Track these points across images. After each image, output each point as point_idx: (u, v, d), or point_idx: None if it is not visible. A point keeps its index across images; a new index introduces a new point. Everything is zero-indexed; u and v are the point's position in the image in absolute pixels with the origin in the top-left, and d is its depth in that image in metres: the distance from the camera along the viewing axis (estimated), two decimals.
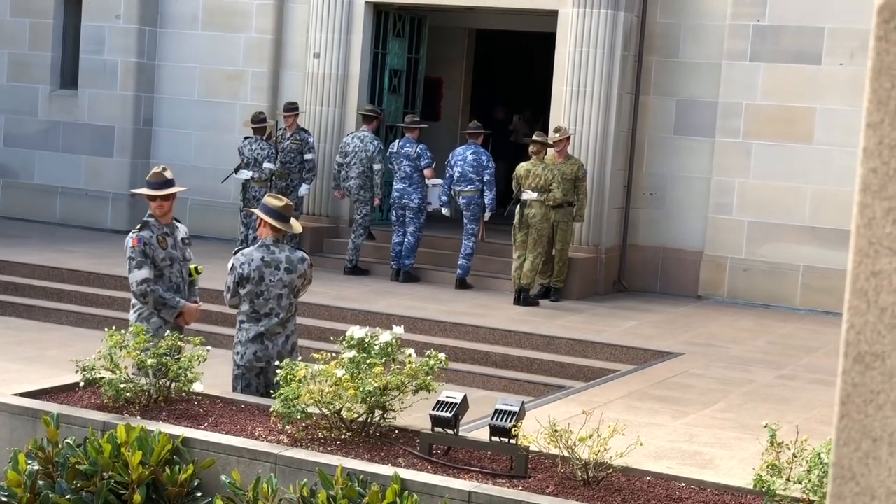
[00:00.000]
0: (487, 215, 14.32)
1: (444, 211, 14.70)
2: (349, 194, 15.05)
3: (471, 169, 14.25)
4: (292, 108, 15.29)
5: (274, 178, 15.11)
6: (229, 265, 7.98)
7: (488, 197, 14.23)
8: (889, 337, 1.68)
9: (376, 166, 14.78)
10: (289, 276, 7.96)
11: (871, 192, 1.68)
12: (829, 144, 14.16)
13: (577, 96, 14.52)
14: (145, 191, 8.24)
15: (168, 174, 8.30)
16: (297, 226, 8.25)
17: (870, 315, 1.70)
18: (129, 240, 8.06)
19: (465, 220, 14.41)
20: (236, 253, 8.20)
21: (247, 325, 7.98)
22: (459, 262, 14.53)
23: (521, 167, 13.65)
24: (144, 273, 7.97)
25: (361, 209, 14.92)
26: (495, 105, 20.16)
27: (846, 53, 14.01)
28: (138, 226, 8.14)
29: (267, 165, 14.95)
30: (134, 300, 8.16)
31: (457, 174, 14.30)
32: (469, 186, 14.26)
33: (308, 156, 15.20)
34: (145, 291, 7.97)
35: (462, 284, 14.48)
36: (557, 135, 13.89)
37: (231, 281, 7.91)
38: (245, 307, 7.95)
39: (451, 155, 14.57)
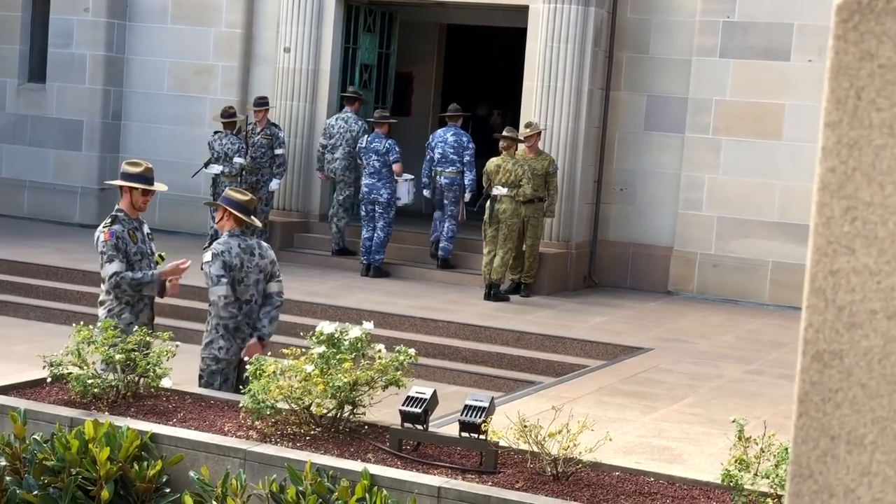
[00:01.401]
0: (468, 196, 14.44)
1: (426, 192, 14.91)
2: (334, 175, 15.10)
3: (451, 150, 14.48)
4: (262, 102, 15.25)
5: (244, 172, 15.06)
6: (207, 257, 7.91)
7: (468, 178, 14.44)
8: (847, 335, 1.69)
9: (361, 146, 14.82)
10: (262, 261, 8.00)
11: (829, 192, 1.69)
12: (798, 141, 14.24)
13: (547, 92, 14.54)
14: (141, 185, 8.13)
15: None
16: (256, 221, 8.28)
17: (828, 314, 1.71)
18: (101, 234, 7.98)
19: (445, 202, 14.58)
20: (207, 248, 8.13)
21: (213, 318, 7.94)
22: (442, 245, 14.72)
23: (491, 162, 13.66)
24: (115, 266, 7.89)
25: (345, 190, 15.07)
26: (472, 101, 20.15)
27: (815, 50, 14.09)
28: (108, 220, 8.06)
29: (237, 160, 14.90)
30: (102, 297, 8.09)
31: (437, 155, 14.55)
32: (450, 168, 14.49)
33: (278, 151, 15.17)
34: (118, 282, 7.90)
35: (445, 264, 14.71)
36: (528, 130, 13.91)
37: (216, 270, 7.83)
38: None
39: (431, 137, 14.85)
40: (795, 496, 1.65)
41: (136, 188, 8.06)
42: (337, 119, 15.18)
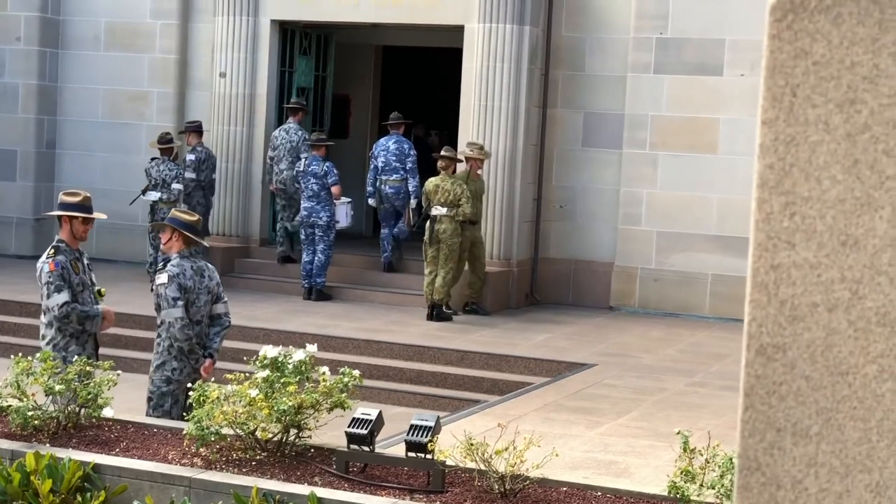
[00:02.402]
0: (413, 202, 14.51)
1: (371, 201, 15.17)
2: (283, 186, 15.24)
3: (394, 158, 14.72)
4: (191, 126, 15.32)
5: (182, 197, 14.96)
6: (163, 279, 7.85)
7: (412, 184, 14.63)
8: (790, 329, 1.71)
9: (303, 156, 14.86)
10: (210, 282, 8.05)
11: (768, 188, 1.71)
12: (733, 154, 14.40)
13: (485, 111, 14.61)
14: (84, 214, 8.07)
15: None
16: (205, 241, 8.29)
17: (770, 308, 1.73)
18: (45, 265, 7.89)
19: (384, 207, 14.88)
20: (161, 270, 8.04)
21: (165, 339, 7.88)
22: (385, 255, 15.02)
23: (430, 182, 13.68)
24: (65, 296, 7.85)
25: (290, 201, 15.23)
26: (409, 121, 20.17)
27: (747, 65, 14.28)
28: (51, 250, 7.97)
29: (175, 186, 14.80)
30: (45, 331, 7.96)
31: (381, 164, 14.77)
32: (395, 175, 14.72)
33: (188, 174, 15.09)
34: (68, 312, 7.85)
35: (390, 268, 15.00)
36: (477, 153, 13.91)
37: (173, 292, 7.81)
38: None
39: (374, 146, 15.12)
40: (744, 489, 1.66)
41: (77, 217, 7.99)
42: (280, 131, 15.34)
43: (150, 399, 7.96)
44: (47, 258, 7.92)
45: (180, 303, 7.77)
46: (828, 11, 1.68)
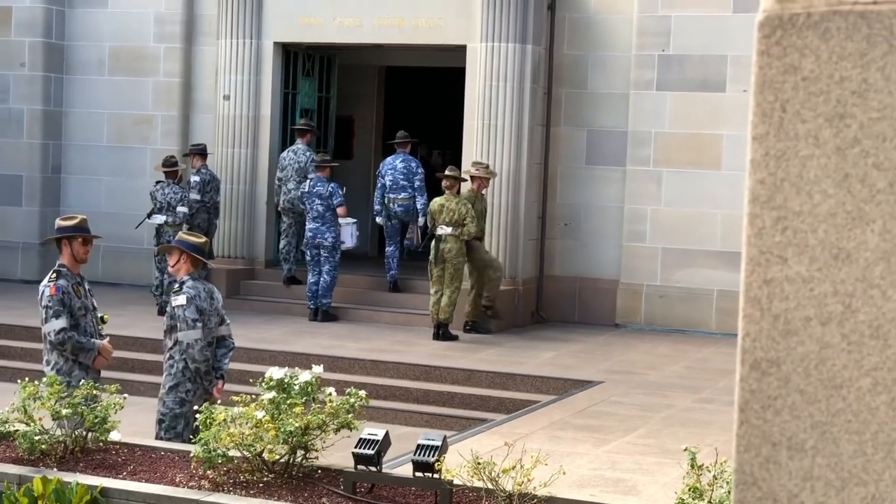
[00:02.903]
0: (421, 220, 14.53)
1: (379, 219, 15.31)
2: (291, 206, 15.34)
3: (402, 176, 14.87)
4: (195, 149, 15.37)
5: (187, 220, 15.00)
6: (181, 300, 7.85)
7: (420, 202, 14.73)
8: (783, 343, 1.72)
9: (311, 175, 14.92)
10: (218, 304, 8.14)
11: (759, 203, 1.72)
12: (736, 170, 14.41)
13: (488, 130, 14.63)
14: (84, 234, 8.13)
15: None
16: (212, 262, 8.37)
17: (764, 322, 1.74)
18: (46, 289, 7.91)
19: (390, 225, 15.05)
20: (163, 296, 8.08)
21: (179, 361, 7.90)
22: (391, 273, 15.11)
23: (435, 202, 13.70)
24: (62, 322, 7.87)
25: (298, 219, 15.32)
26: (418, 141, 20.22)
27: (749, 80, 14.29)
28: (53, 275, 8.00)
29: (180, 209, 14.83)
30: (49, 356, 7.98)
31: (388, 182, 14.93)
32: (402, 194, 14.87)
33: (192, 196, 15.13)
34: (63, 340, 7.87)
35: (395, 287, 15.09)
36: (483, 172, 13.91)
37: (192, 314, 7.87)
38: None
39: (381, 165, 15.26)
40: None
41: (77, 239, 8.02)
42: (288, 152, 15.45)
43: (161, 421, 7.96)
44: (49, 282, 7.94)
45: (199, 324, 7.83)
46: (816, 27, 1.69)
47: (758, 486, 1.66)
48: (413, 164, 14.98)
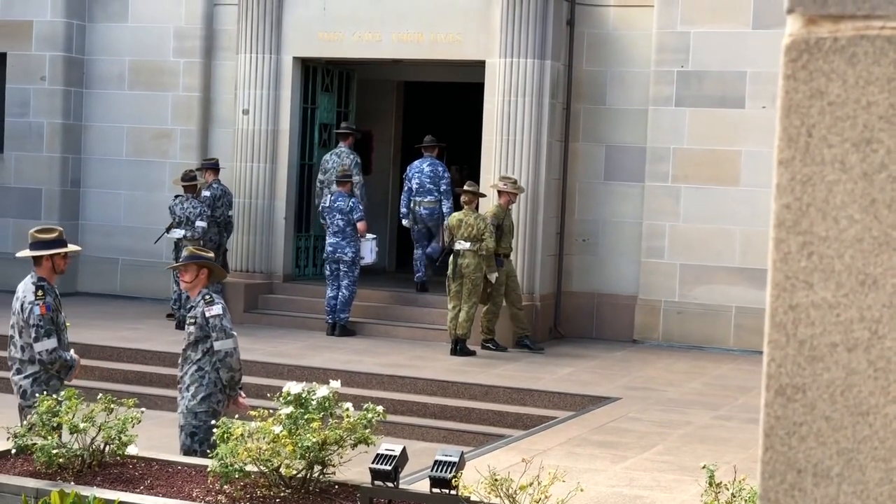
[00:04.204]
0: (446, 224, 14.61)
1: (405, 222, 15.49)
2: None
3: (428, 180, 15.11)
4: (207, 163, 15.44)
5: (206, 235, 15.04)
6: (217, 310, 7.89)
7: (446, 206, 14.93)
8: (809, 369, 1.71)
9: (355, 178, 15.16)
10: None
11: (785, 228, 1.71)
12: (755, 186, 14.38)
13: (506, 145, 14.64)
14: (73, 248, 8.28)
15: None
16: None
17: (789, 348, 1.72)
18: (36, 308, 7.99)
19: (417, 228, 15.19)
20: (212, 302, 8.03)
21: (212, 372, 7.93)
22: (418, 276, 15.31)
23: (453, 217, 13.71)
24: (54, 342, 8.06)
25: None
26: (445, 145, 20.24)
27: (768, 97, 14.28)
28: (38, 292, 8.03)
29: (199, 224, 14.87)
30: (27, 366, 8.07)
31: (415, 186, 15.16)
32: (429, 197, 15.11)
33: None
34: (55, 359, 8.07)
35: (423, 287, 15.25)
36: (511, 187, 13.82)
37: (229, 322, 7.97)
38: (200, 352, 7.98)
39: (408, 168, 15.49)
40: None
41: (59, 253, 8.13)
42: (331, 154, 15.65)
43: (193, 434, 7.91)
44: (37, 301, 7.99)
45: (234, 333, 7.93)
46: (843, 51, 1.69)
47: None
48: (440, 169, 15.22)
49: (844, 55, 1.67)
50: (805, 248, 1.68)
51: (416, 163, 15.46)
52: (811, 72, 1.69)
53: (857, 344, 1.66)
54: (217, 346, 7.88)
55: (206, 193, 15.26)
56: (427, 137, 15.56)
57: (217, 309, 7.91)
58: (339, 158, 15.49)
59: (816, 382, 1.68)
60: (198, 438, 7.89)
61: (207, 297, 7.99)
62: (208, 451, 7.73)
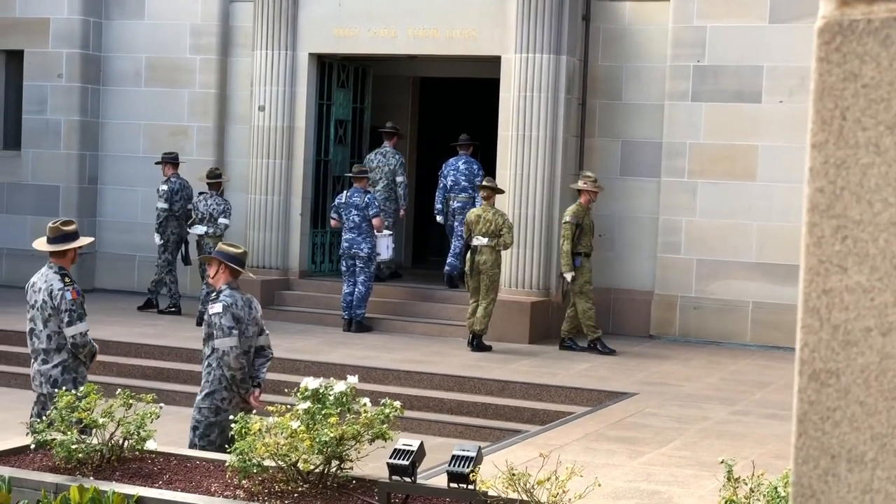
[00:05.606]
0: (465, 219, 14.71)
1: (439, 218, 15.80)
2: (384, 208, 15.70)
3: (463, 177, 15.45)
4: (167, 157, 15.58)
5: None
6: (217, 308, 7.90)
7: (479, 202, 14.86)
8: (842, 354, 1.69)
9: (399, 178, 15.75)
10: (257, 314, 8.19)
11: (818, 212, 1.69)
12: (771, 181, 14.33)
13: (522, 141, 14.62)
14: (89, 239, 8.43)
15: None
16: (251, 273, 8.44)
17: (823, 333, 1.71)
18: (67, 292, 8.10)
19: (455, 224, 15.29)
20: (215, 300, 8.05)
21: (217, 369, 7.93)
22: (448, 261, 15.42)
23: (472, 213, 13.70)
24: (86, 325, 8.21)
25: (385, 220, 15.56)
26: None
27: (785, 91, 14.22)
28: (66, 278, 8.21)
29: (222, 220, 14.92)
30: (54, 356, 8.13)
31: (450, 182, 15.52)
32: (462, 194, 15.44)
33: (160, 204, 15.36)
34: (86, 342, 8.17)
35: (451, 281, 15.32)
36: (591, 185, 13.64)
37: (228, 321, 7.90)
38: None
39: (444, 165, 15.78)
40: None
41: (80, 246, 8.31)
42: (376, 154, 15.99)
43: (195, 428, 7.99)
44: (66, 286, 8.10)
45: (235, 332, 7.87)
46: (876, 33, 1.67)
47: (816, 498, 1.64)
48: (475, 167, 15.51)
49: (878, 37, 1.65)
50: (839, 231, 1.66)
51: (451, 160, 15.73)
52: (845, 54, 1.67)
53: (891, 328, 1.65)
54: (216, 343, 7.90)
55: (163, 187, 15.40)
56: (462, 136, 15.81)
57: (217, 307, 7.92)
58: (384, 158, 15.87)
59: (850, 367, 1.66)
60: (198, 433, 7.98)
61: (214, 294, 8.06)
62: (205, 446, 7.81)
